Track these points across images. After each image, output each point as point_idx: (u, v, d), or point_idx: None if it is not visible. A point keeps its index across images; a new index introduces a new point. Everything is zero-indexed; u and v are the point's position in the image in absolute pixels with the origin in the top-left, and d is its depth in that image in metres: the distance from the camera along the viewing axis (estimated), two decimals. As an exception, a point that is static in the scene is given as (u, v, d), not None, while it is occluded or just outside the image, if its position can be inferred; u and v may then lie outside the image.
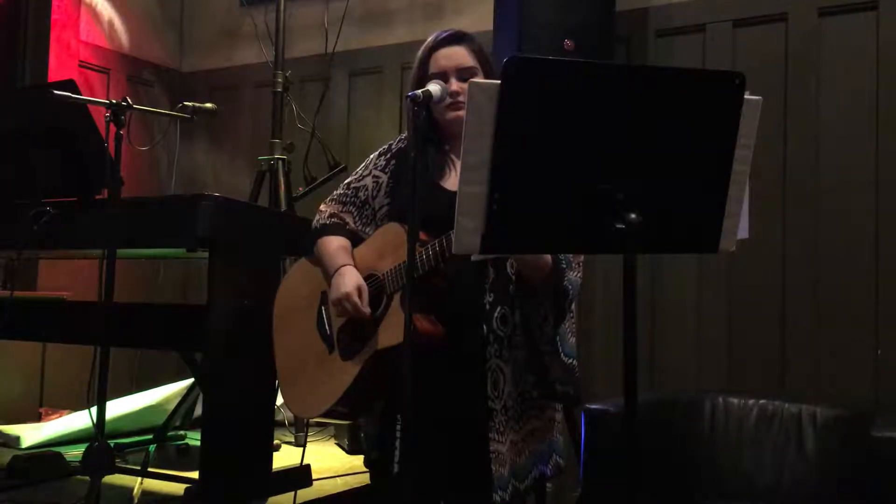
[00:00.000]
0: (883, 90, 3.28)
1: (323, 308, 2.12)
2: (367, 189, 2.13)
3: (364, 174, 2.16)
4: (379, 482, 2.10)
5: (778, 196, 3.42)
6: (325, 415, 2.09)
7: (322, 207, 2.21)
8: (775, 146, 3.43)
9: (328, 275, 2.07)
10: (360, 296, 1.96)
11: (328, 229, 2.13)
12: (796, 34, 3.45)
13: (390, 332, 1.92)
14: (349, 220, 2.15)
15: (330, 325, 2.08)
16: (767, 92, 1.60)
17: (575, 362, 1.97)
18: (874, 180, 3.27)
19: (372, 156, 2.18)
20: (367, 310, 1.96)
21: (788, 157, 3.43)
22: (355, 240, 2.12)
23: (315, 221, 2.20)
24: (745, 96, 1.49)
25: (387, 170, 2.12)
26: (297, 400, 2.18)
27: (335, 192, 2.21)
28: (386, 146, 2.17)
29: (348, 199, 2.16)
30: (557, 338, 1.94)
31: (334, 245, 2.09)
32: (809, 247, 3.36)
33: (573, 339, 1.99)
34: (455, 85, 1.97)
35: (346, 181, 2.20)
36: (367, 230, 2.13)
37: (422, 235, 1.85)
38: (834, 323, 3.30)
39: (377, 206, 2.12)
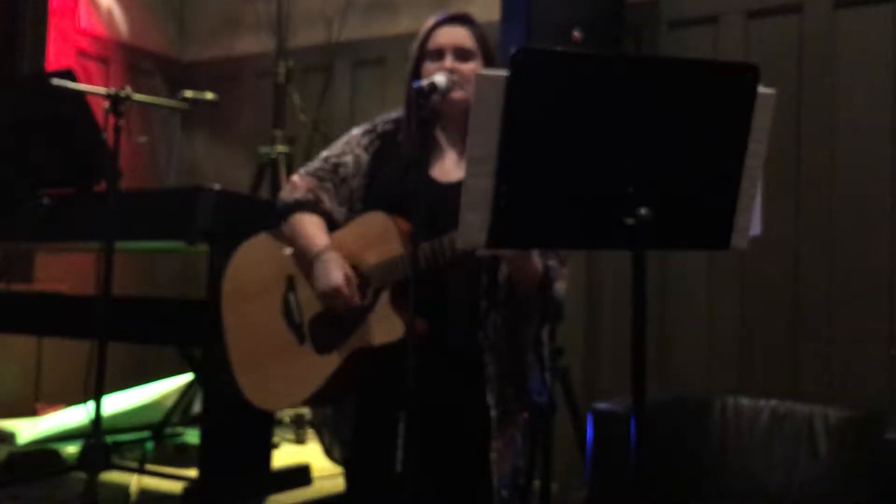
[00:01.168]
0: (899, 84, 3.23)
1: (291, 295, 2.03)
2: (347, 167, 2.03)
3: (345, 151, 2.05)
4: (358, 483, 2.05)
5: (791, 192, 3.39)
6: (291, 406, 2.04)
7: (296, 180, 2.06)
8: (789, 140, 3.39)
9: (304, 256, 1.97)
10: (349, 286, 1.88)
11: (303, 205, 2.01)
12: (811, 26, 3.41)
13: (377, 330, 1.87)
14: (325, 197, 2.02)
15: (300, 315, 2.00)
16: (781, 85, 1.55)
17: (548, 374, 1.96)
18: (890, 176, 3.24)
19: (355, 132, 2.07)
20: (358, 302, 1.89)
21: (802, 152, 3.39)
22: (329, 222, 2.01)
23: (286, 194, 2.05)
24: (759, 89, 1.46)
25: (369, 150, 2.04)
26: (259, 390, 2.06)
27: (311, 166, 2.08)
28: (370, 125, 2.07)
29: (326, 174, 2.04)
30: (541, 347, 1.93)
31: (313, 224, 1.98)
32: (823, 244, 3.33)
33: (546, 351, 1.99)
34: (450, 62, 1.92)
35: (323, 155, 2.08)
36: (341, 209, 2.03)
37: (408, 227, 1.82)
38: (847, 323, 3.27)
39: (354, 185, 2.03)
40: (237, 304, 2.13)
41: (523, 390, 1.93)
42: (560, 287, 1.88)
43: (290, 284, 2.03)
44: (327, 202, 2.02)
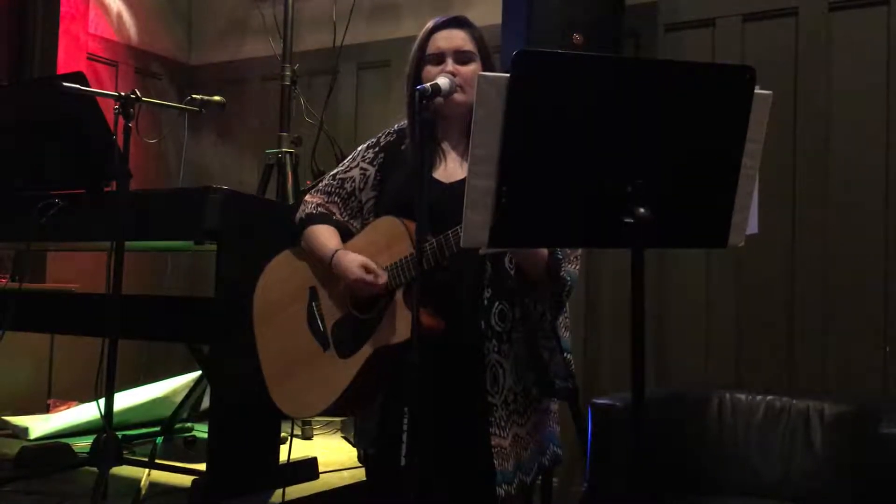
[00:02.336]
0: (893, 85, 3.26)
1: (314, 304, 2.09)
2: (353, 181, 2.12)
3: (351, 166, 2.14)
4: (378, 478, 2.09)
5: (788, 191, 3.41)
6: (321, 413, 2.07)
7: (307, 198, 2.18)
8: (785, 141, 3.41)
9: (321, 263, 2.04)
10: (368, 272, 1.93)
11: (314, 218, 2.10)
12: (806, 29, 3.43)
13: (393, 329, 1.91)
14: (335, 210, 2.12)
15: (323, 323, 2.06)
16: (777, 87, 1.58)
17: (570, 356, 1.97)
18: (884, 176, 3.26)
19: (360, 148, 2.16)
20: (383, 280, 1.93)
21: (798, 153, 3.41)
22: (344, 231, 2.09)
23: (300, 212, 2.16)
24: (756, 91, 1.48)
25: (374, 163, 2.11)
26: (290, 399, 2.12)
27: (320, 184, 2.19)
28: (374, 139, 2.15)
29: (334, 189, 2.14)
30: (557, 331, 1.93)
31: (324, 232, 2.07)
32: (819, 243, 3.35)
33: (567, 334, 1.98)
34: (451, 66, 1.96)
35: (332, 172, 2.18)
36: (353, 222, 2.11)
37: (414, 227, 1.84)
38: (843, 319, 3.29)
39: (364, 198, 2.11)
40: (266, 321, 2.19)
41: (546, 376, 1.94)
42: (571, 269, 1.90)
43: (313, 294, 2.09)
44: (338, 214, 2.11)
